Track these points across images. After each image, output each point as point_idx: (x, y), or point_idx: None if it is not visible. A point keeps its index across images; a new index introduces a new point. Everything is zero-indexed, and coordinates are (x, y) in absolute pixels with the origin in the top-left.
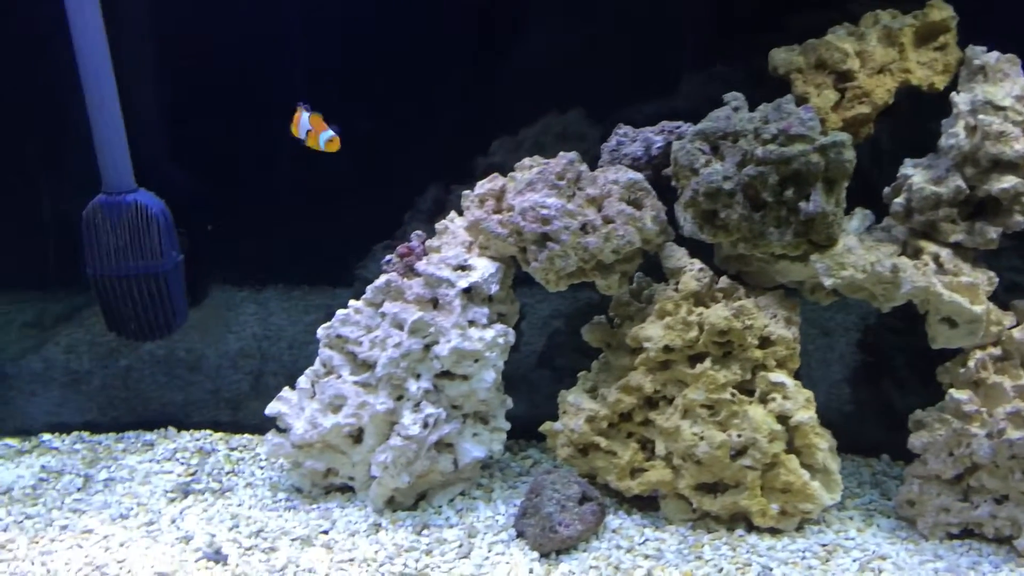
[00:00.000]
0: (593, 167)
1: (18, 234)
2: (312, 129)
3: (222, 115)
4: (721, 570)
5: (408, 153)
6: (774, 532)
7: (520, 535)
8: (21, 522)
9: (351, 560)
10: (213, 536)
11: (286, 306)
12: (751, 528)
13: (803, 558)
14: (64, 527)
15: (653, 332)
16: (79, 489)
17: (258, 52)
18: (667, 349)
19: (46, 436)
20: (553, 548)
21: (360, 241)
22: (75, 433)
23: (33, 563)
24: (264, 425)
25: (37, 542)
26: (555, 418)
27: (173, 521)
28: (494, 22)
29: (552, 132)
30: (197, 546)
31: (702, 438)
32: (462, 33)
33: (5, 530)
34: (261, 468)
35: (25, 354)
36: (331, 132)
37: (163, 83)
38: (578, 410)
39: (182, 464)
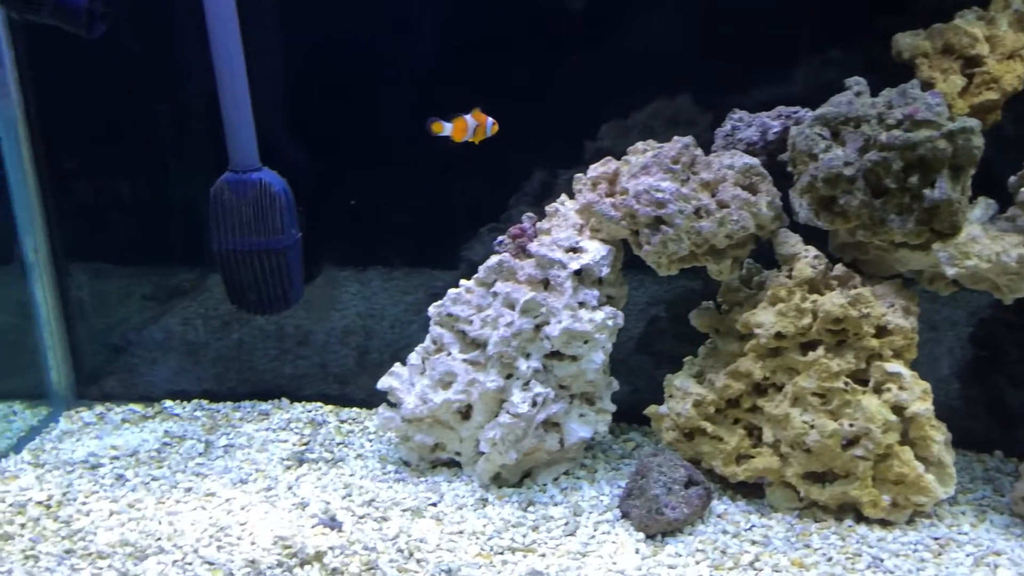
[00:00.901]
0: (704, 152)
1: (139, 212)
2: (478, 124)
3: (337, 99)
4: (830, 559)
5: (515, 137)
6: (884, 524)
7: (625, 516)
8: (148, 483)
9: (460, 532)
10: (328, 503)
11: (387, 286)
12: (860, 519)
13: (915, 551)
14: (188, 489)
15: (765, 318)
16: (200, 454)
17: (372, 38)
18: (779, 336)
19: (168, 403)
20: (659, 530)
21: (465, 224)
22: (195, 401)
23: (160, 522)
24: (370, 400)
25: (163, 503)
26: (654, 403)
27: (289, 488)
28: (605, 4)
29: (662, 117)
30: (313, 512)
31: (812, 426)
32: (572, 16)
33: (133, 490)
34: (370, 441)
35: (146, 324)
36: (490, 120)
37: (286, 67)
38: (685, 394)
39: (296, 434)
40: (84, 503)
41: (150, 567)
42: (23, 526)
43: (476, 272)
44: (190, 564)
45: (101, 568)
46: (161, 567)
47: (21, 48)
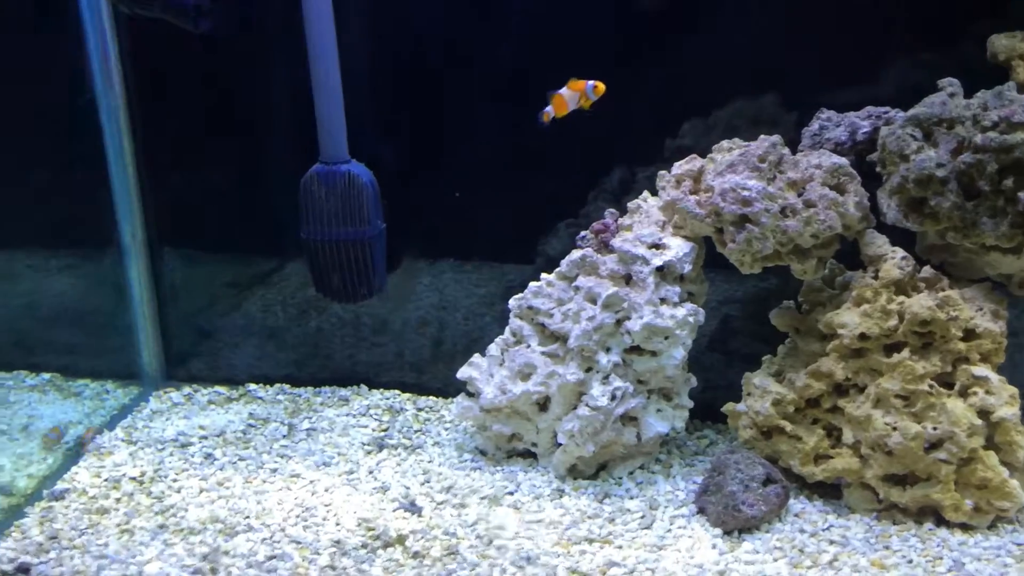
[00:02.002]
0: (790, 152)
1: (229, 202)
2: (578, 93)
3: (419, 94)
4: (911, 561)
5: (595, 133)
6: (965, 528)
7: (701, 511)
8: (235, 463)
9: (538, 521)
10: (408, 488)
11: (459, 279)
12: (940, 522)
13: (997, 555)
14: (274, 470)
15: (849, 319)
16: (284, 436)
17: (459, 32)
18: (863, 337)
19: (252, 386)
20: (736, 527)
21: (543, 219)
22: (277, 385)
23: (248, 501)
24: (446, 389)
25: (251, 482)
26: (725, 401)
27: (370, 472)
28: (688, 1)
29: (745, 116)
30: (393, 496)
31: (895, 428)
32: (654, 12)
33: (222, 469)
34: (446, 429)
35: (229, 311)
36: (590, 83)
37: (373, 62)
38: (764, 392)
39: (375, 420)
40: (175, 480)
41: (240, 544)
42: (118, 501)
43: (553, 267)
44: (278, 542)
45: (193, 544)
46: (250, 544)
47: (125, 41)
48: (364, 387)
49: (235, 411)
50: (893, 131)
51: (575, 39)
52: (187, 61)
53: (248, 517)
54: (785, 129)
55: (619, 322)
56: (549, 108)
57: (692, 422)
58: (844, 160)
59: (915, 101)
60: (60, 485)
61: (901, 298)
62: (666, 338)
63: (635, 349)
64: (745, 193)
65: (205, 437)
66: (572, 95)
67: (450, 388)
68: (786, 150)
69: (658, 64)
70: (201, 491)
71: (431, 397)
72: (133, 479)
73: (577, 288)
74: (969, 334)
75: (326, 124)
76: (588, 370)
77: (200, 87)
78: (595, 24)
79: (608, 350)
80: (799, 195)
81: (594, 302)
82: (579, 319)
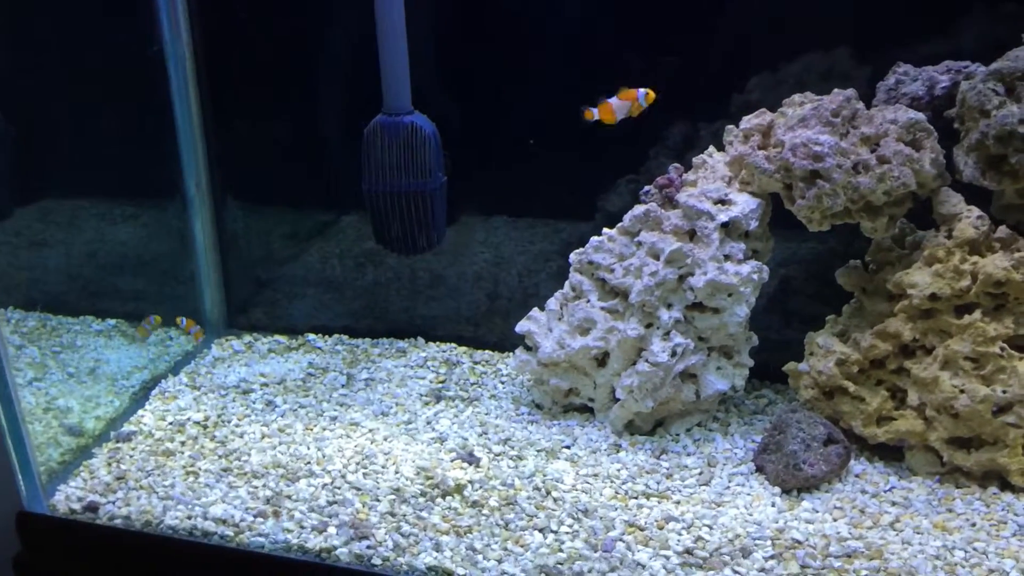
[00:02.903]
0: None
1: (292, 153)
2: (630, 103)
3: (482, 48)
4: (974, 524)
5: (659, 89)
6: None
7: (759, 469)
8: (296, 410)
9: (595, 475)
10: (465, 439)
11: (514, 235)
12: (1005, 487)
13: None
14: (333, 418)
15: (920, 279)
16: (343, 385)
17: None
18: (933, 297)
19: (311, 336)
20: (795, 485)
21: (604, 175)
22: (335, 336)
23: (309, 448)
24: (502, 343)
25: (311, 429)
26: (785, 361)
27: (428, 422)
28: None
29: (816, 70)
30: (451, 447)
31: (963, 391)
32: None
33: (283, 416)
34: (502, 383)
35: (286, 262)
36: (641, 92)
37: (438, 14)
38: (828, 352)
39: (432, 372)
40: (238, 425)
41: (302, 488)
42: (183, 444)
43: (612, 223)
44: (338, 488)
45: (256, 487)
46: (312, 489)
47: None
48: (421, 339)
49: (295, 360)
50: (974, 85)
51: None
52: (253, 12)
53: (309, 463)
54: (857, 84)
55: (682, 278)
56: (595, 110)
57: (750, 381)
58: (921, 115)
59: (996, 56)
60: (127, 427)
61: (975, 258)
62: (729, 295)
63: (697, 306)
64: (817, 148)
65: (266, 384)
66: (621, 105)
67: (506, 342)
68: (860, 104)
69: (726, 16)
70: (263, 436)
71: (487, 351)
72: (197, 423)
73: (639, 243)
74: None
75: (390, 75)
76: (648, 326)
77: (265, 38)
78: None
79: (670, 306)
80: (873, 151)
81: (657, 257)
82: (641, 274)
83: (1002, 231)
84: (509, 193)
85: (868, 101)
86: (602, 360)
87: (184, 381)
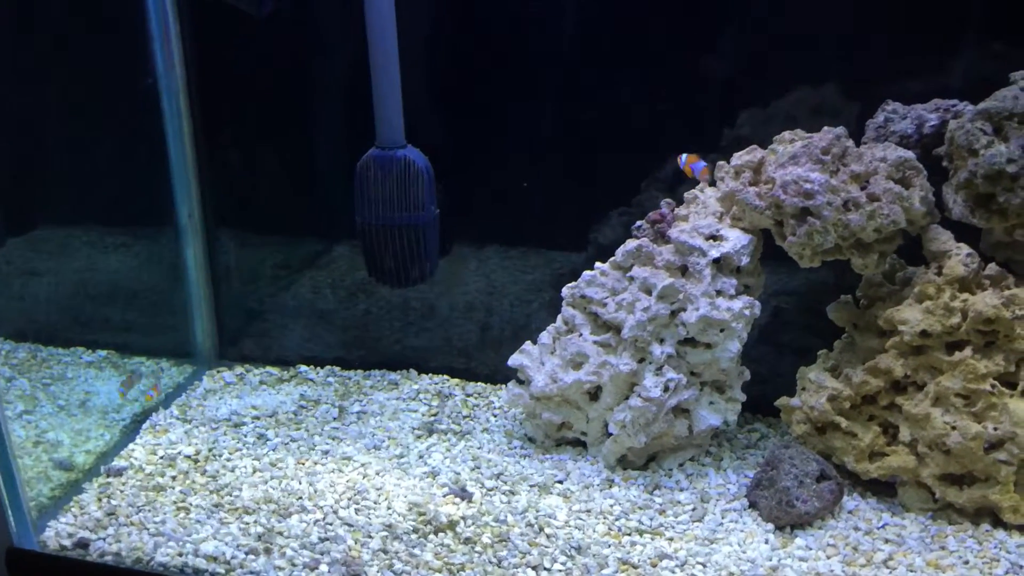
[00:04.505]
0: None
1: (283, 185)
2: (685, 164)
3: (474, 78)
4: (967, 562)
5: (650, 121)
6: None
7: (753, 505)
8: (288, 444)
9: (588, 511)
10: (458, 474)
11: (506, 265)
12: (998, 523)
13: None
14: (325, 452)
15: (910, 315)
16: (335, 418)
17: (515, 17)
18: (924, 334)
19: (303, 367)
20: (789, 522)
21: (596, 206)
22: (327, 367)
23: (300, 482)
24: (493, 375)
25: (303, 463)
26: (777, 394)
27: (421, 456)
28: None
29: (806, 106)
30: (443, 482)
31: (954, 427)
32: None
33: (274, 450)
34: (495, 416)
35: (278, 292)
36: (702, 163)
37: (429, 45)
38: (820, 388)
39: (425, 404)
40: (229, 459)
41: (293, 524)
42: (174, 478)
43: (604, 256)
44: (330, 524)
45: (248, 523)
46: (304, 525)
47: (187, 23)
48: (413, 371)
49: (286, 392)
50: (962, 124)
51: (630, 25)
52: (247, 44)
53: (301, 498)
54: (847, 121)
55: (674, 313)
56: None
57: (742, 415)
58: (910, 153)
59: (984, 93)
60: (117, 462)
61: (965, 295)
62: (721, 330)
63: (689, 341)
64: (807, 186)
65: (258, 417)
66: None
67: (498, 375)
68: (850, 142)
69: (716, 51)
70: (254, 471)
71: (480, 383)
72: (188, 457)
73: (632, 278)
74: None
75: (383, 109)
76: (641, 361)
77: (259, 69)
78: (651, 10)
79: (662, 341)
80: (863, 188)
81: (649, 292)
82: (633, 309)
83: (992, 268)
84: (504, 223)
85: (856, 137)
86: (595, 394)
87: (175, 414)
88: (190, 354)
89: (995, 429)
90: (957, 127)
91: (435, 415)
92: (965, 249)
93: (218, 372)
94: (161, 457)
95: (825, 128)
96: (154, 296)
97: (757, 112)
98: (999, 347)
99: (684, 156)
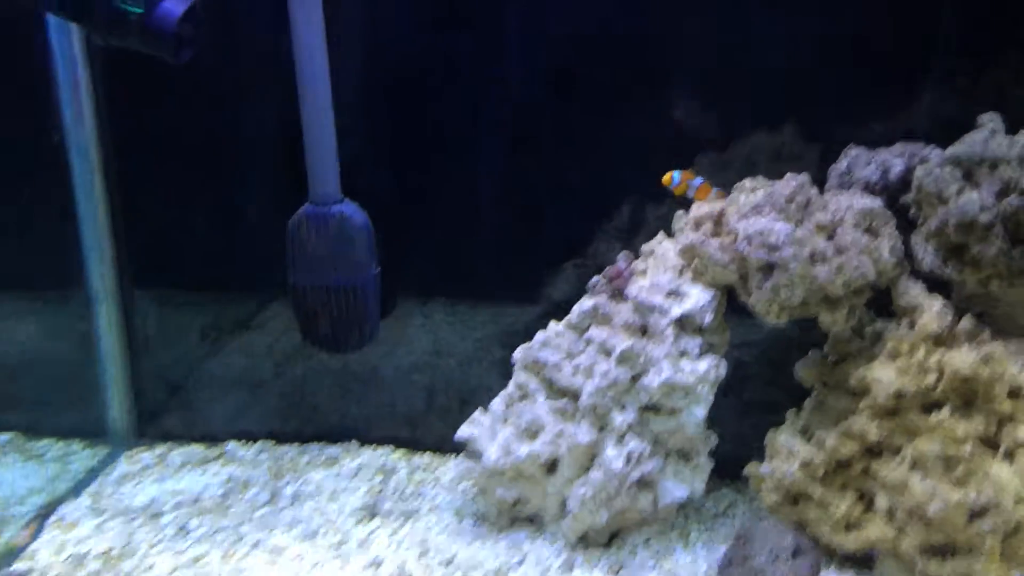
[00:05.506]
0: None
1: (206, 243)
2: (680, 183)
3: (411, 122)
4: None
5: (603, 169)
6: None
7: None
8: (212, 535)
9: None
10: (404, 562)
11: (451, 320)
12: None
13: None
14: (255, 543)
15: (884, 375)
16: (267, 503)
17: (459, 65)
18: (898, 395)
19: (231, 444)
20: None
21: (544, 258)
22: (259, 442)
23: None
24: (442, 445)
25: (229, 557)
26: (744, 454)
27: (361, 544)
28: (702, 25)
29: (765, 150)
30: (388, 572)
31: (934, 495)
32: (666, 39)
33: (197, 542)
34: (444, 491)
35: (205, 359)
36: (700, 179)
37: (368, 97)
38: (791, 454)
39: (366, 482)
40: (146, 556)
41: None
42: None
43: (557, 310)
44: None
45: None
46: None
47: (96, 73)
48: (355, 443)
49: (213, 473)
50: (931, 171)
51: (580, 71)
52: (164, 96)
53: None
54: (807, 165)
55: (635, 378)
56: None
57: (708, 480)
58: (878, 202)
59: (949, 135)
60: (18, 564)
61: (940, 352)
62: (686, 395)
63: (652, 407)
64: (772, 238)
65: (179, 505)
66: (676, 181)
67: (446, 444)
68: (814, 190)
69: (672, 94)
70: (174, 568)
71: (426, 453)
72: (99, 556)
73: (589, 340)
74: (1015, 392)
75: (316, 162)
76: (601, 429)
77: (179, 122)
78: (602, 56)
79: (623, 408)
80: (830, 239)
81: (608, 355)
82: (592, 374)
83: (966, 322)
84: (449, 276)
85: (818, 183)
86: (552, 467)
87: (86, 504)
88: (104, 433)
89: (978, 496)
90: (925, 174)
91: (378, 493)
92: (938, 303)
93: (136, 453)
94: (68, 556)
95: (788, 175)
96: (63, 369)
97: (713, 157)
98: (978, 407)
99: (677, 173)
